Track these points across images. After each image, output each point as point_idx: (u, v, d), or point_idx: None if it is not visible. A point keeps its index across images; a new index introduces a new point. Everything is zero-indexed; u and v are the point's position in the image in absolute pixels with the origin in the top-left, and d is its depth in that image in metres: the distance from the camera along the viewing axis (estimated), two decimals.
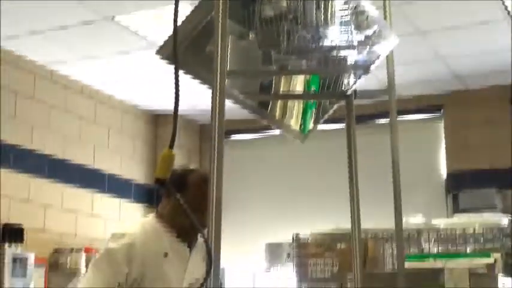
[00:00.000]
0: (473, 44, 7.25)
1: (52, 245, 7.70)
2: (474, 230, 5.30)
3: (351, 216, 3.49)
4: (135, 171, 9.06)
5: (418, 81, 8.12)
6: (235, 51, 2.73)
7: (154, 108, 9.17)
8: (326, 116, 3.54)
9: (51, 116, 7.88)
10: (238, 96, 2.95)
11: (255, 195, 9.25)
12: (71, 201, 8.02)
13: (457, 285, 3.65)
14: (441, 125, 8.68)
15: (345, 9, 2.70)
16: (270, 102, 3.35)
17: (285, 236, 6.21)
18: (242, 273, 8.24)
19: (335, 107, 3.46)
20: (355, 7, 2.69)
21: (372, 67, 3.04)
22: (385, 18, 3.28)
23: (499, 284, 3.79)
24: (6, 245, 7.04)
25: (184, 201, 2.25)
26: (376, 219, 4.81)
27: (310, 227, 5.94)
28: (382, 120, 7.80)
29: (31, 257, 7.19)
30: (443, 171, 8.58)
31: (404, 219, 5.25)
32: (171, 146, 1.90)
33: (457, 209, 7.86)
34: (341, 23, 2.75)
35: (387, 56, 3.29)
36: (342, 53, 2.91)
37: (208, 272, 1.90)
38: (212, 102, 2.09)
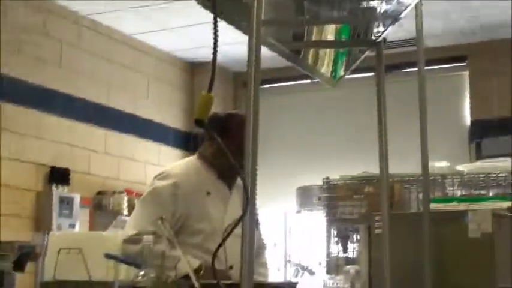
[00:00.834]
0: None
1: (96, 187, 7.80)
2: (497, 175, 5.27)
3: (379, 161, 3.50)
4: (174, 118, 9.09)
5: (444, 32, 8.03)
6: (270, 1, 2.72)
7: (192, 58, 9.16)
8: (356, 64, 3.51)
9: (94, 64, 7.91)
10: (273, 43, 2.94)
11: (287, 141, 9.25)
12: (114, 146, 8.08)
13: (480, 226, 3.63)
14: (466, 75, 8.60)
15: None
16: (303, 51, 3.33)
17: (315, 180, 6.20)
18: (274, 214, 8.28)
19: (365, 54, 3.43)
20: None
21: (401, 16, 3.01)
22: None
23: None
24: (54, 186, 7.14)
25: (226, 144, 2.25)
26: (403, 164, 4.79)
27: (340, 171, 5.94)
28: (410, 70, 7.72)
29: (77, 198, 7.29)
30: (467, 120, 8.52)
31: (429, 164, 5.26)
32: (210, 90, 1.90)
33: (479, 156, 7.81)
34: None
35: (416, 6, 3.25)
36: (372, 3, 2.88)
37: (245, 210, 1.91)
38: (249, 49, 2.09)
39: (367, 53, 3.47)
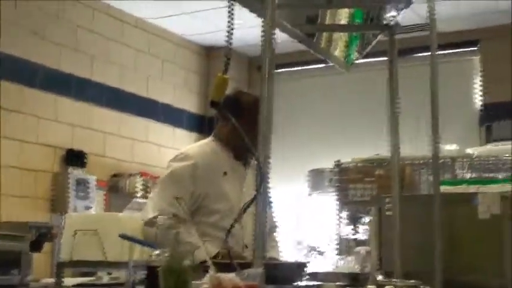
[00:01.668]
0: None
1: (111, 169, 7.82)
2: (506, 158, 5.27)
3: (391, 144, 3.50)
4: (188, 102, 9.09)
5: (456, 16, 7.98)
6: None
7: (207, 42, 9.15)
8: (369, 47, 3.51)
9: (109, 48, 7.91)
10: (288, 27, 2.94)
11: (300, 125, 9.24)
12: (128, 129, 8.10)
13: (489, 208, 3.63)
14: (477, 59, 8.56)
15: None
16: (316, 34, 3.33)
17: (327, 163, 6.21)
18: (287, 197, 8.30)
19: (378, 38, 3.43)
20: None
21: (413, 0, 3.00)
22: None
23: None
24: (70, 168, 7.16)
25: (239, 123, 2.25)
26: (414, 147, 4.79)
27: (351, 155, 5.94)
28: (422, 54, 7.69)
29: (92, 180, 7.31)
30: (478, 104, 8.49)
31: (439, 148, 5.26)
32: (225, 72, 1.90)
33: (489, 139, 7.78)
34: None
35: None
36: None
37: (258, 189, 1.92)
38: (264, 32, 2.09)
39: (380, 37, 3.47)
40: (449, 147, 5.65)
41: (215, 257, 2.78)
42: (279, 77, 9.36)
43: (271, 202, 3.81)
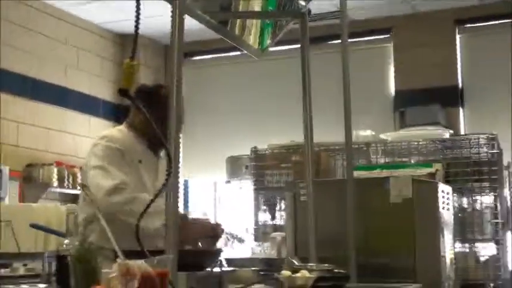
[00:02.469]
0: None
1: (25, 159, 7.68)
2: (418, 143, 5.37)
3: (304, 130, 3.53)
4: (104, 90, 8.99)
5: (369, 5, 8.10)
6: None
7: (122, 30, 9.06)
8: (281, 35, 3.53)
9: (23, 36, 7.75)
10: (200, 14, 2.92)
11: (217, 113, 9.26)
12: (43, 118, 7.96)
13: (401, 192, 3.71)
14: (390, 47, 8.71)
15: None
16: (230, 22, 3.33)
17: (245, 150, 6.23)
18: (205, 184, 8.31)
19: (290, 25, 3.45)
20: None
21: None
22: None
23: (439, 190, 3.86)
24: None
25: (153, 114, 2.23)
26: (329, 133, 4.84)
27: (269, 141, 5.97)
28: (337, 42, 7.78)
29: (5, 171, 7.16)
30: (392, 90, 8.65)
31: (354, 133, 5.33)
32: (132, 58, 1.88)
33: (403, 125, 7.93)
34: None
35: None
36: None
37: (168, 177, 1.91)
38: (172, 19, 2.07)
39: (294, 25, 3.50)
40: (363, 133, 5.73)
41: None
42: (196, 65, 9.43)
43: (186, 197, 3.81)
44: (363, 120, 6.27)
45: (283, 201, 5.33)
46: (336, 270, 2.92)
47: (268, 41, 3.55)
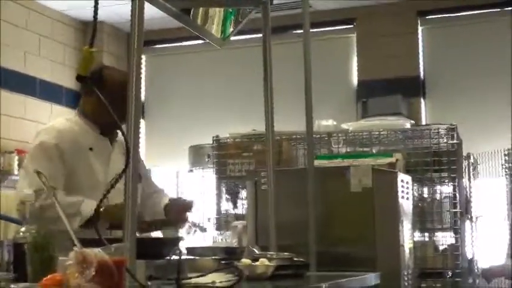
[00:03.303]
0: None
1: None
2: (379, 132, 5.41)
3: (265, 119, 3.54)
4: (66, 77, 8.90)
5: None
6: None
7: (84, 16, 8.98)
8: (242, 24, 3.53)
9: None
10: (161, 2, 2.91)
11: (179, 102, 9.23)
12: (4, 105, 7.87)
13: (361, 181, 3.74)
14: (353, 37, 8.75)
15: None
16: (192, 10, 3.32)
17: (207, 139, 6.22)
18: (167, 173, 8.28)
19: (252, 14, 3.45)
20: None
21: None
22: None
23: (399, 180, 3.90)
24: None
25: (103, 96, 2.20)
26: (292, 122, 4.85)
27: (231, 130, 5.97)
28: (298, 32, 7.79)
29: None
30: (354, 80, 8.69)
31: (316, 123, 5.37)
32: (91, 45, 1.87)
33: (365, 115, 7.97)
34: None
35: None
36: None
37: (127, 165, 1.91)
38: (132, 6, 2.06)
39: (257, 14, 3.49)
40: (325, 123, 5.76)
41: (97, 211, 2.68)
42: (157, 53, 9.38)
43: (146, 173, 3.81)
44: (325, 110, 6.31)
45: (245, 190, 5.33)
46: (295, 259, 2.93)
47: (231, 30, 3.54)
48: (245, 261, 2.74)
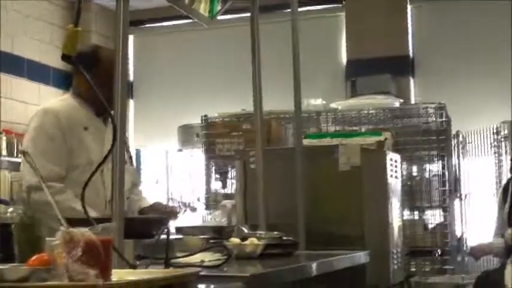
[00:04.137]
0: None
1: None
2: (368, 111, 5.42)
3: (254, 99, 3.54)
4: (54, 58, 8.85)
5: None
6: None
7: None
8: (229, 2, 3.52)
9: None
10: None
11: (169, 81, 9.20)
12: None
13: (349, 159, 3.75)
14: (342, 16, 8.72)
15: None
16: None
17: (196, 119, 6.21)
18: (156, 153, 8.28)
19: None
20: None
21: None
22: None
23: (387, 158, 3.91)
24: None
25: (95, 78, 2.20)
26: (281, 101, 4.84)
27: (220, 110, 5.97)
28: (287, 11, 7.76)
29: None
30: (343, 59, 8.68)
31: (305, 102, 5.37)
32: (76, 24, 1.85)
33: (354, 94, 7.96)
34: None
35: None
36: None
37: (113, 144, 1.90)
38: None
39: None
40: (314, 102, 5.76)
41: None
42: (145, 33, 9.34)
43: (131, 158, 3.79)
44: (314, 89, 6.29)
45: (234, 170, 5.33)
46: (284, 238, 2.94)
47: (218, 8, 3.53)
48: (234, 240, 2.75)
